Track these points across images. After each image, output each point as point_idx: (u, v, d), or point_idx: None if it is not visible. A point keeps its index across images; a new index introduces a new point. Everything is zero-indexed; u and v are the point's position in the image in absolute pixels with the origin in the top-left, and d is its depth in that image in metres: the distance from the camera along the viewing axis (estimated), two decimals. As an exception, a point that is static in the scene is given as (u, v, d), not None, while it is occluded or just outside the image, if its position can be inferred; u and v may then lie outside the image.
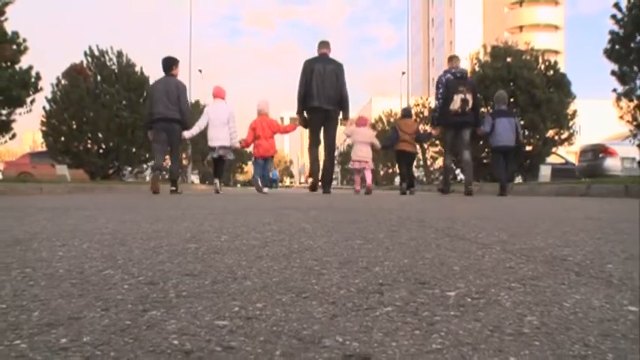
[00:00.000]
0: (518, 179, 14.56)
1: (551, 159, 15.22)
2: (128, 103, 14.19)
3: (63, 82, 13.98)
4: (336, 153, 27.11)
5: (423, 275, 1.05)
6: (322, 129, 8.30)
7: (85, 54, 14.52)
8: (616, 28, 9.87)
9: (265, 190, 8.43)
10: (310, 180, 8.70)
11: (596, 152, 13.74)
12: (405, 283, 0.97)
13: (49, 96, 13.76)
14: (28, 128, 46.03)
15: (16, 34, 10.44)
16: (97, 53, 14.57)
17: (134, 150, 14.54)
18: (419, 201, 5.65)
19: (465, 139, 8.12)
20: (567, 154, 18.37)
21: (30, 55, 10.82)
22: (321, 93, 8.01)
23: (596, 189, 7.18)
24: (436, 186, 11.47)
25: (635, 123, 9.90)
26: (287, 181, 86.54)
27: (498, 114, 8.46)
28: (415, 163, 13.79)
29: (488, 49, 15.08)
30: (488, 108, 12.32)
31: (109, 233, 1.82)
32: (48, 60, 42.54)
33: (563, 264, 1.21)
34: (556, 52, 50.38)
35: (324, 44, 8.46)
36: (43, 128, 13.82)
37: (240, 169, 42.59)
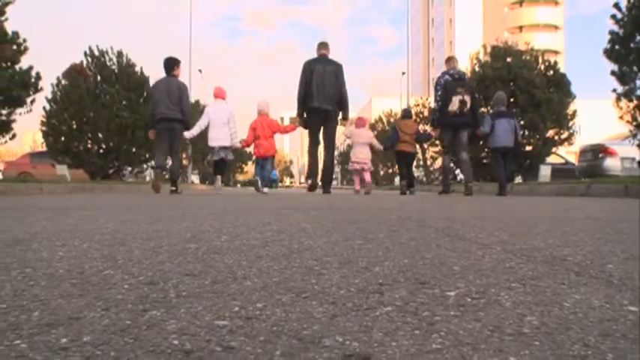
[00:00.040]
0: (518, 179, 14.55)
1: (551, 159, 15.23)
2: (128, 103, 14.19)
3: (63, 82, 13.98)
4: (336, 153, 27.16)
5: (423, 275, 1.05)
6: (322, 129, 8.31)
7: (85, 54, 14.53)
8: (616, 28, 9.88)
9: (265, 190, 8.43)
10: (309, 181, 8.70)
11: (596, 152, 13.74)
12: (405, 283, 0.97)
13: (49, 96, 13.77)
14: (28, 128, 46.02)
15: (16, 34, 10.45)
16: (97, 53, 14.58)
17: (134, 150, 14.54)
18: (419, 201, 5.65)
19: (462, 139, 8.15)
20: (567, 154, 18.37)
21: (30, 55, 10.84)
22: (321, 93, 8.01)
23: (596, 189, 7.19)
24: (436, 186, 11.49)
25: (634, 123, 9.91)
26: (287, 181, 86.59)
27: (498, 115, 8.52)
28: (415, 164, 13.82)
29: (488, 49, 15.09)
30: (488, 108, 12.33)
31: (109, 233, 1.82)
32: (48, 60, 42.57)
33: (563, 264, 1.21)
34: (556, 52, 50.44)
35: (323, 45, 8.46)
36: (43, 128, 13.82)
37: (240, 169, 42.59)
